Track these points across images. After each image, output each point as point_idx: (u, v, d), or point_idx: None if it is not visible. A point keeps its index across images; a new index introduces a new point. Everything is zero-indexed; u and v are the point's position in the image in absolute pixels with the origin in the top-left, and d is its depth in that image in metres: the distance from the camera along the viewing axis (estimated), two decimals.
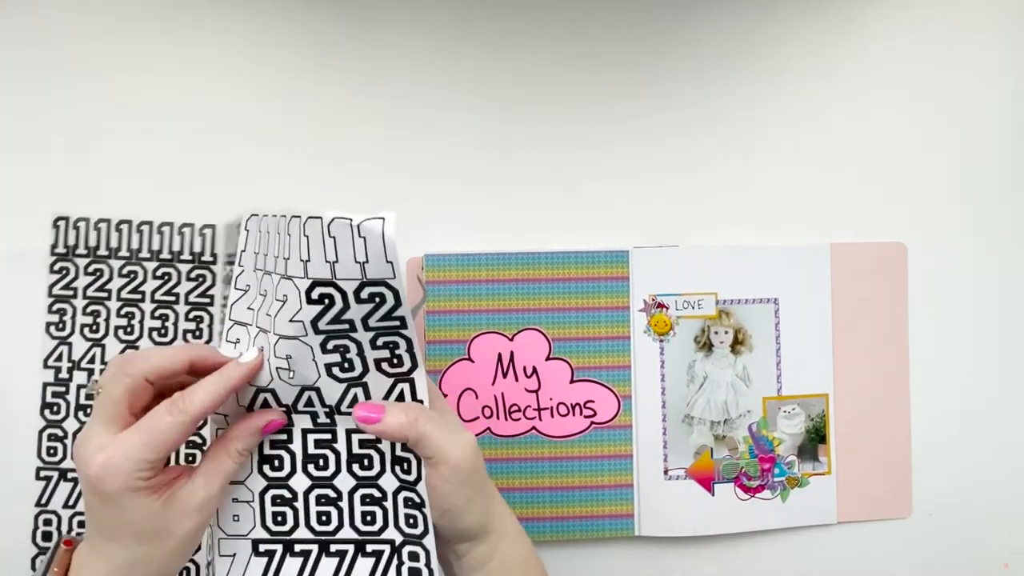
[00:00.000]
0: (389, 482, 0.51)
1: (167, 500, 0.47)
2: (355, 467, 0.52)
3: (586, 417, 0.66)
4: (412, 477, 0.51)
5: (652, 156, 0.67)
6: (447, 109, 0.67)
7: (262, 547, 0.52)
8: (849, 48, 0.68)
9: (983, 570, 0.69)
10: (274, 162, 0.66)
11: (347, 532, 0.52)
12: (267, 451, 0.52)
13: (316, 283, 0.47)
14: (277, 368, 0.49)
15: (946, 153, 0.68)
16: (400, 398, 0.51)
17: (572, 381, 0.66)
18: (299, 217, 0.47)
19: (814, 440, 0.67)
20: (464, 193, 0.67)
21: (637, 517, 0.66)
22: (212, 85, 0.66)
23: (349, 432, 0.51)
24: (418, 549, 0.51)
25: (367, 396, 0.50)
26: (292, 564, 0.52)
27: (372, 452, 0.51)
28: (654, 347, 0.66)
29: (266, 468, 0.52)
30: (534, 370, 0.66)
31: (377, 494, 0.52)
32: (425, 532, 0.51)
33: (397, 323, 0.48)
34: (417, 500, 0.51)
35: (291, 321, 0.48)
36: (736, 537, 0.67)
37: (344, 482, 0.52)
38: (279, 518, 0.52)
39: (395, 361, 0.50)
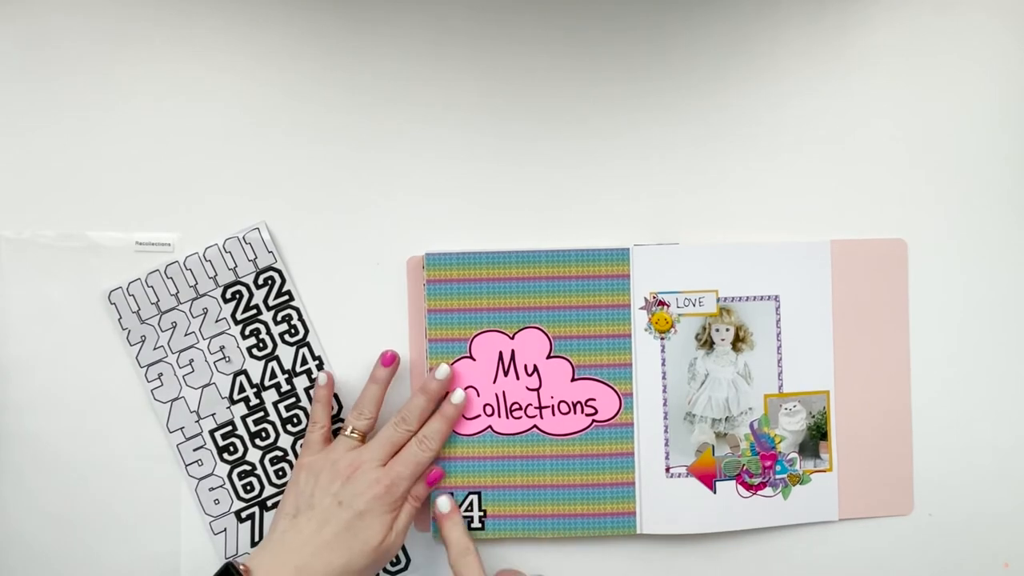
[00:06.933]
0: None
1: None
2: (288, 427, 0.67)
3: (587, 415, 0.66)
4: (332, 414, 0.66)
5: (652, 154, 0.67)
6: (447, 108, 0.67)
7: (243, 514, 0.66)
8: (848, 45, 0.68)
9: (983, 569, 0.69)
10: (274, 163, 0.66)
11: None
12: (221, 443, 0.66)
13: (227, 286, 0.65)
14: (216, 362, 0.65)
15: (946, 150, 0.69)
16: (303, 362, 0.66)
17: (573, 379, 0.66)
18: (197, 252, 0.65)
19: (815, 437, 0.67)
20: (465, 191, 0.67)
21: (639, 515, 0.66)
22: (210, 88, 0.66)
23: (276, 404, 0.66)
24: None
25: (281, 368, 0.66)
26: (270, 517, 0.66)
27: (298, 412, 0.67)
28: (655, 345, 0.66)
29: (225, 455, 0.66)
30: (535, 368, 0.66)
31: None
32: None
33: (287, 297, 0.66)
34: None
35: (216, 321, 0.65)
36: (738, 535, 0.67)
37: (285, 441, 0.67)
38: (248, 487, 0.66)
39: (292, 331, 0.66)
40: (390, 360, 0.65)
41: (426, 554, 0.67)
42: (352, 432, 0.63)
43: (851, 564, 0.68)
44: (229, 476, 0.66)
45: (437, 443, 0.64)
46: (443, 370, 0.64)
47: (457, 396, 0.65)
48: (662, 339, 0.66)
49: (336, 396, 0.66)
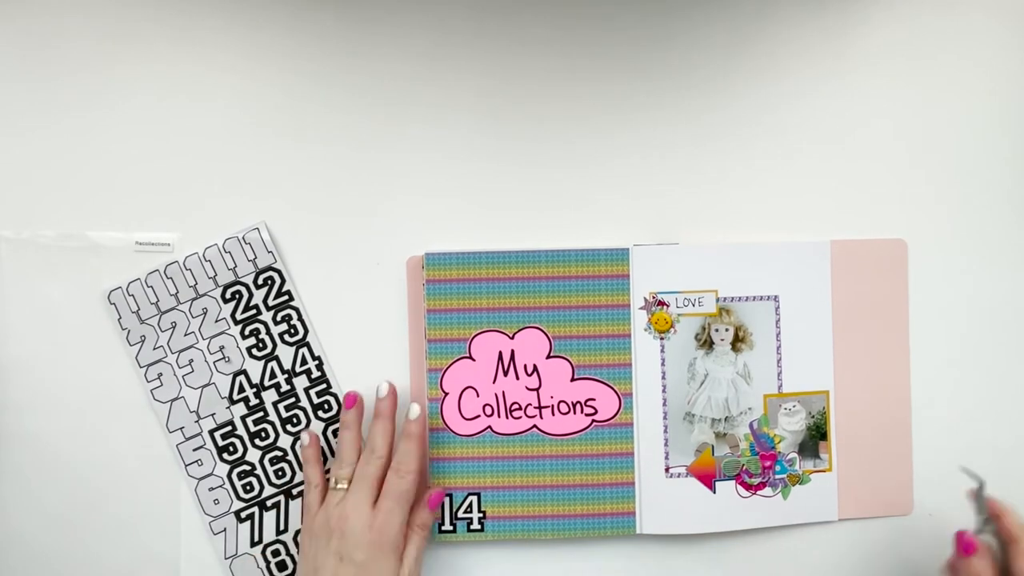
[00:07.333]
0: (317, 427, 0.67)
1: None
2: (287, 427, 0.66)
3: (587, 415, 0.66)
4: (332, 414, 0.66)
5: (652, 154, 0.67)
6: (447, 108, 0.67)
7: (243, 514, 0.66)
8: (849, 46, 0.68)
9: None
10: (274, 163, 0.66)
11: (300, 476, 0.66)
12: (221, 443, 0.66)
13: (227, 286, 0.65)
14: (215, 362, 0.65)
15: (946, 150, 0.69)
16: (303, 362, 0.66)
17: (573, 379, 0.66)
18: (197, 252, 0.65)
19: (815, 437, 0.67)
20: (465, 191, 0.67)
21: (638, 515, 0.66)
22: (210, 88, 0.66)
23: (275, 404, 0.66)
24: None
25: (280, 368, 0.66)
26: (269, 517, 0.66)
27: (297, 412, 0.66)
28: (655, 345, 0.66)
29: (225, 455, 0.66)
30: (535, 368, 0.66)
31: None
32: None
33: (286, 297, 0.66)
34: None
35: (216, 321, 0.65)
36: (737, 535, 0.67)
37: (284, 441, 0.66)
38: (247, 487, 0.66)
39: (292, 331, 0.66)
40: (352, 401, 0.64)
41: None
42: (338, 484, 0.62)
43: (851, 564, 0.68)
44: (229, 476, 0.66)
45: (413, 465, 0.62)
46: (383, 389, 0.64)
47: (413, 411, 0.63)
48: (662, 339, 0.66)
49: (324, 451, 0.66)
